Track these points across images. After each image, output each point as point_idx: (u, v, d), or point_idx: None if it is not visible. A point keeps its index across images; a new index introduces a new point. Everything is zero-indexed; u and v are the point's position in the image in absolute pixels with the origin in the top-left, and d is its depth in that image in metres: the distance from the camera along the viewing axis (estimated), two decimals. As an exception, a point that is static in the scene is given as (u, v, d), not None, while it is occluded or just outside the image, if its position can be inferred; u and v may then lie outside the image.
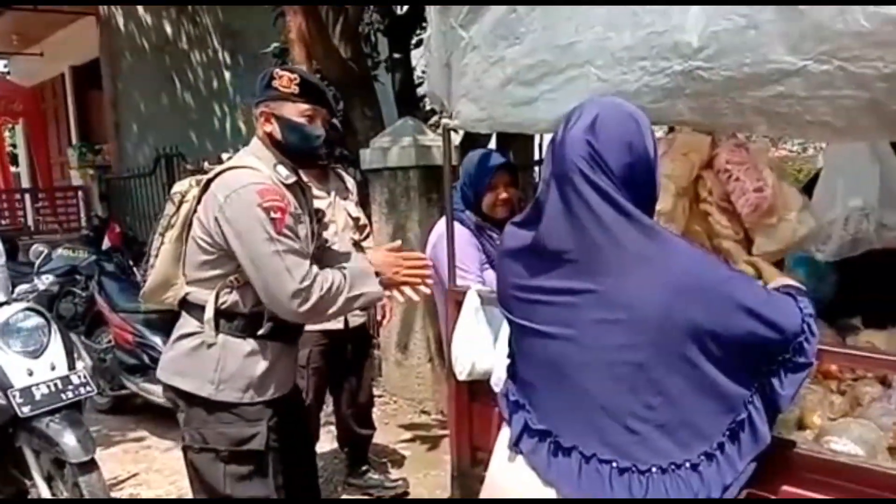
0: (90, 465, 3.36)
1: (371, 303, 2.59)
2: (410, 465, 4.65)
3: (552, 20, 2.29)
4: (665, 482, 1.60)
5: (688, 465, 1.61)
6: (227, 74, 9.73)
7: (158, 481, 4.62)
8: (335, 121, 2.72)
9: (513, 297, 1.81)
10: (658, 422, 1.61)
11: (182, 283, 2.52)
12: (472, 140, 5.77)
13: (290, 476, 2.64)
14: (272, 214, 2.31)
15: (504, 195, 3.13)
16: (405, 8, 7.37)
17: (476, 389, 2.84)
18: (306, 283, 2.31)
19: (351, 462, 4.33)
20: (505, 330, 2.58)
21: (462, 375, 2.76)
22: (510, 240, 1.85)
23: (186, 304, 2.50)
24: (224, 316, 2.44)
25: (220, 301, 2.43)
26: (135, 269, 6.84)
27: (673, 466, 1.60)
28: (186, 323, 2.50)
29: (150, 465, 4.87)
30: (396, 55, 7.28)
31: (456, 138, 5.27)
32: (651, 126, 1.76)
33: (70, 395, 3.43)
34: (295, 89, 2.46)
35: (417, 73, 7.82)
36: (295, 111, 2.47)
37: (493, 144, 7.31)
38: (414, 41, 7.58)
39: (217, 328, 2.43)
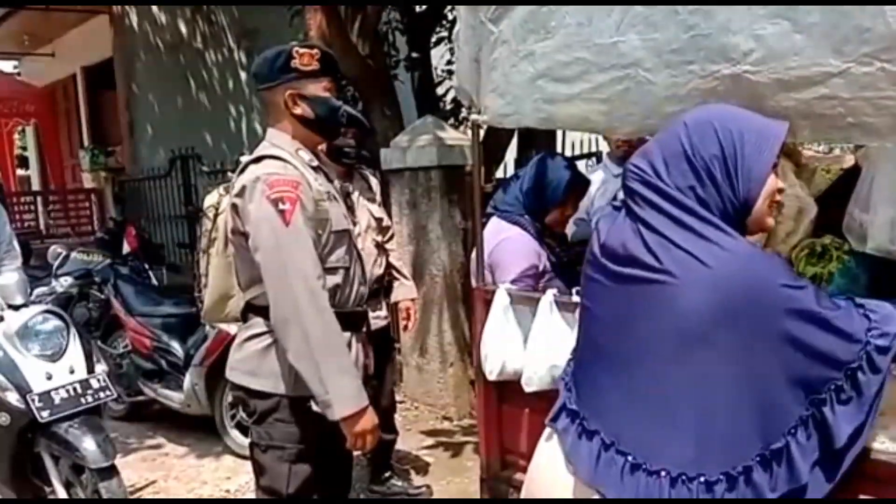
0: (110, 471, 3.32)
1: (325, 401, 2.25)
2: (434, 472, 4.58)
3: (587, 16, 2.25)
4: (672, 491, 1.52)
5: (702, 479, 1.51)
6: (242, 74, 9.66)
7: (177, 488, 4.55)
8: (363, 119, 2.64)
9: (586, 274, 1.78)
10: (679, 426, 1.53)
11: (239, 294, 2.50)
12: (495, 138, 5.71)
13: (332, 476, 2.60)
14: (280, 206, 2.23)
15: (571, 214, 3.10)
16: (424, 6, 7.31)
17: (506, 390, 2.80)
18: (307, 283, 2.23)
19: (373, 468, 4.25)
20: (536, 329, 2.55)
21: (492, 375, 2.73)
22: (606, 222, 1.78)
23: (252, 308, 2.44)
24: None
25: None
26: (150, 272, 6.83)
27: (684, 477, 1.51)
28: (254, 324, 2.43)
29: (168, 472, 4.80)
30: (415, 54, 7.21)
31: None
32: (729, 126, 1.64)
33: (90, 399, 3.39)
34: (316, 66, 2.38)
35: (437, 72, 7.77)
36: (319, 87, 2.41)
37: (514, 141, 7.23)
38: (433, 39, 7.52)
39: None
